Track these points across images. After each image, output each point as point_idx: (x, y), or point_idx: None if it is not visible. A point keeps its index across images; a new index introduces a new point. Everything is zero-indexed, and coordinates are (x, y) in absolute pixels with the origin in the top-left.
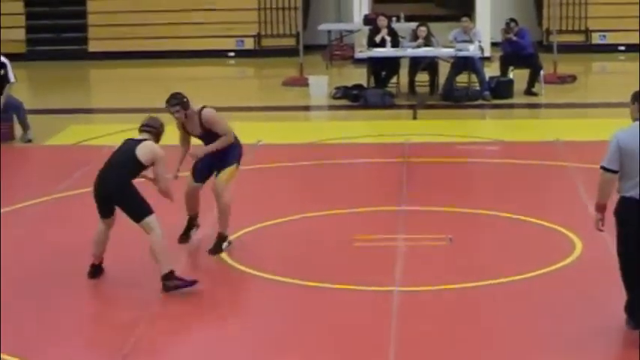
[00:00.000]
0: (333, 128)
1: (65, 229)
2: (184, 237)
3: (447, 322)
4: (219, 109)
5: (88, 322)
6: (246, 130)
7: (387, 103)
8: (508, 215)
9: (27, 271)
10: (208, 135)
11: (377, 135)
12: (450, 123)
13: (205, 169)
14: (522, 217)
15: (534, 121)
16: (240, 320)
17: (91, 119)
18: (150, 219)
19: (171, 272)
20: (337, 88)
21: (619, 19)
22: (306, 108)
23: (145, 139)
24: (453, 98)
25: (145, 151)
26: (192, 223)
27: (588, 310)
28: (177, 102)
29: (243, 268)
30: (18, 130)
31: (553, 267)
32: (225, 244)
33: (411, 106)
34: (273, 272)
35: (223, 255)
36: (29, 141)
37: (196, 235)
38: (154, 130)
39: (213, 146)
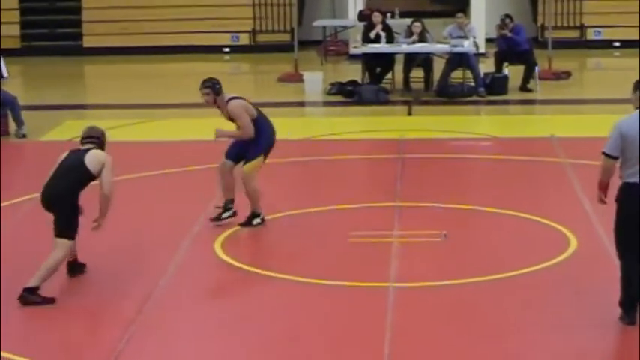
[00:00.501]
0: (327, 124)
1: None
2: (216, 219)
3: (442, 317)
4: None
5: (83, 317)
6: None
7: (381, 99)
8: (503, 211)
9: (23, 266)
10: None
11: (372, 131)
12: (445, 119)
13: (236, 150)
14: (517, 214)
15: (529, 117)
16: (235, 316)
17: (86, 115)
18: (67, 243)
19: (37, 288)
20: (332, 84)
21: (614, 15)
22: (301, 104)
23: (92, 149)
24: (448, 94)
25: (92, 159)
26: (227, 207)
27: (584, 306)
28: (208, 85)
29: (238, 264)
30: (12, 125)
31: (548, 263)
32: (256, 220)
33: (405, 102)
34: (269, 268)
35: (219, 251)
36: (24, 136)
37: (190, 231)
38: (97, 140)
39: (231, 134)
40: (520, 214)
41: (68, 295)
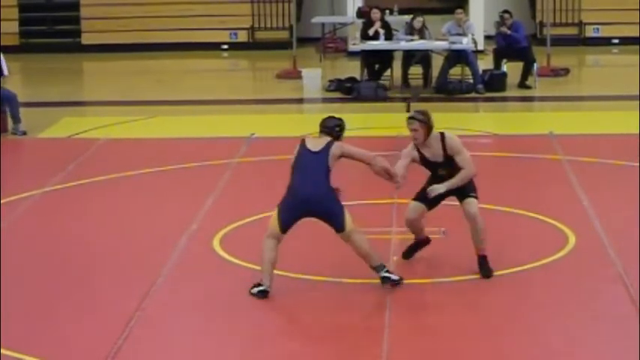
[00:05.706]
0: None
1: (59, 221)
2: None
3: (441, 314)
4: (212, 102)
5: (82, 314)
6: (240, 123)
7: (380, 95)
8: (502, 208)
9: (20, 263)
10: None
11: (370, 128)
12: (444, 116)
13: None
14: (516, 210)
15: (527, 114)
16: (233, 312)
17: (85, 112)
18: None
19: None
20: (331, 81)
21: (613, 12)
22: (300, 101)
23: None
24: (447, 91)
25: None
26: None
27: (582, 302)
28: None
29: (237, 261)
30: (11, 122)
31: (547, 259)
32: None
33: (404, 99)
34: None
35: (217, 248)
36: (24, 133)
37: (188, 229)
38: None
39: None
40: (518, 211)
41: (67, 291)
